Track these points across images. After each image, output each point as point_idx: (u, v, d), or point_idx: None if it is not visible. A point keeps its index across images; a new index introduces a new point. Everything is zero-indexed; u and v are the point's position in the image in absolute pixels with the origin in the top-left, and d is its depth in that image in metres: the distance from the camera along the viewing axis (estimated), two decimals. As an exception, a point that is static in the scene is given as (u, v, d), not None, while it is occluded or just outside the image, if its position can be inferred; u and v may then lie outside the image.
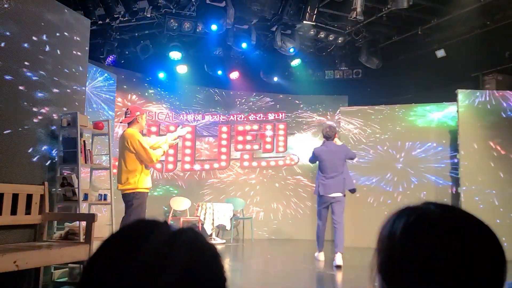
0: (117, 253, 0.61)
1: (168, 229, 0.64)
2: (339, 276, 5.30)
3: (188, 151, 8.95)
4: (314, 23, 7.25)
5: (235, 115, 9.25)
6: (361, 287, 4.49)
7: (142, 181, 4.60)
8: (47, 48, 4.21)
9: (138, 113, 4.74)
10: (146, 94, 8.61)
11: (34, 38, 4.06)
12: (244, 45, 7.77)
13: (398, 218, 0.77)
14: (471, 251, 0.71)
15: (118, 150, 4.78)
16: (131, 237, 0.63)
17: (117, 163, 4.82)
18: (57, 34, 4.37)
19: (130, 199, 4.50)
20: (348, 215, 6.28)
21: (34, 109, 4.02)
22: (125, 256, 0.59)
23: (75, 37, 4.65)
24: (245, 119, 9.27)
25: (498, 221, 6.23)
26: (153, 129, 8.60)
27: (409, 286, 0.72)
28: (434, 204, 0.78)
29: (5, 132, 3.70)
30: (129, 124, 4.74)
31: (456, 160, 7.09)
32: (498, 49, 7.41)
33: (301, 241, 8.57)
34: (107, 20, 6.49)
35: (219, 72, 8.79)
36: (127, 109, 4.85)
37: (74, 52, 4.62)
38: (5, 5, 3.76)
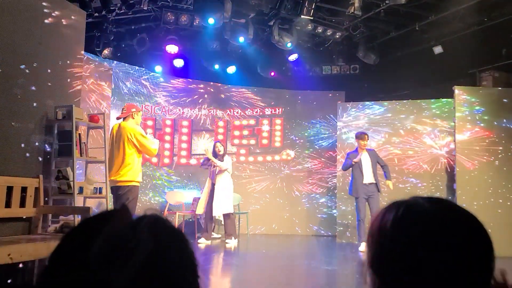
0: (77, 243, 0.56)
1: (129, 214, 0.59)
2: (334, 271, 5.33)
3: (184, 145, 8.93)
4: (311, 18, 7.23)
5: (231, 110, 9.23)
6: (356, 282, 4.52)
7: (137, 174, 4.69)
8: (42, 40, 4.17)
9: (134, 109, 4.87)
10: (143, 87, 8.56)
11: (29, 29, 4.02)
12: (241, 39, 7.74)
13: (387, 212, 0.78)
14: (459, 242, 0.71)
15: (112, 142, 4.81)
16: (90, 226, 0.58)
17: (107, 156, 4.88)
18: (53, 26, 4.33)
19: (125, 192, 4.54)
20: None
21: (29, 102, 3.99)
22: (85, 244, 0.53)
23: (71, 29, 4.61)
24: (242, 113, 9.25)
25: (495, 217, 6.26)
26: (149, 123, 8.57)
27: (399, 279, 0.72)
28: (422, 197, 0.79)
29: (-1, 124, 3.67)
30: (124, 119, 4.82)
31: (452, 158, 7.10)
32: (495, 46, 7.41)
33: (296, 237, 8.59)
34: (104, 13, 6.45)
35: (216, 66, 8.76)
36: (124, 106, 5.01)
37: (70, 44, 4.58)
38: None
